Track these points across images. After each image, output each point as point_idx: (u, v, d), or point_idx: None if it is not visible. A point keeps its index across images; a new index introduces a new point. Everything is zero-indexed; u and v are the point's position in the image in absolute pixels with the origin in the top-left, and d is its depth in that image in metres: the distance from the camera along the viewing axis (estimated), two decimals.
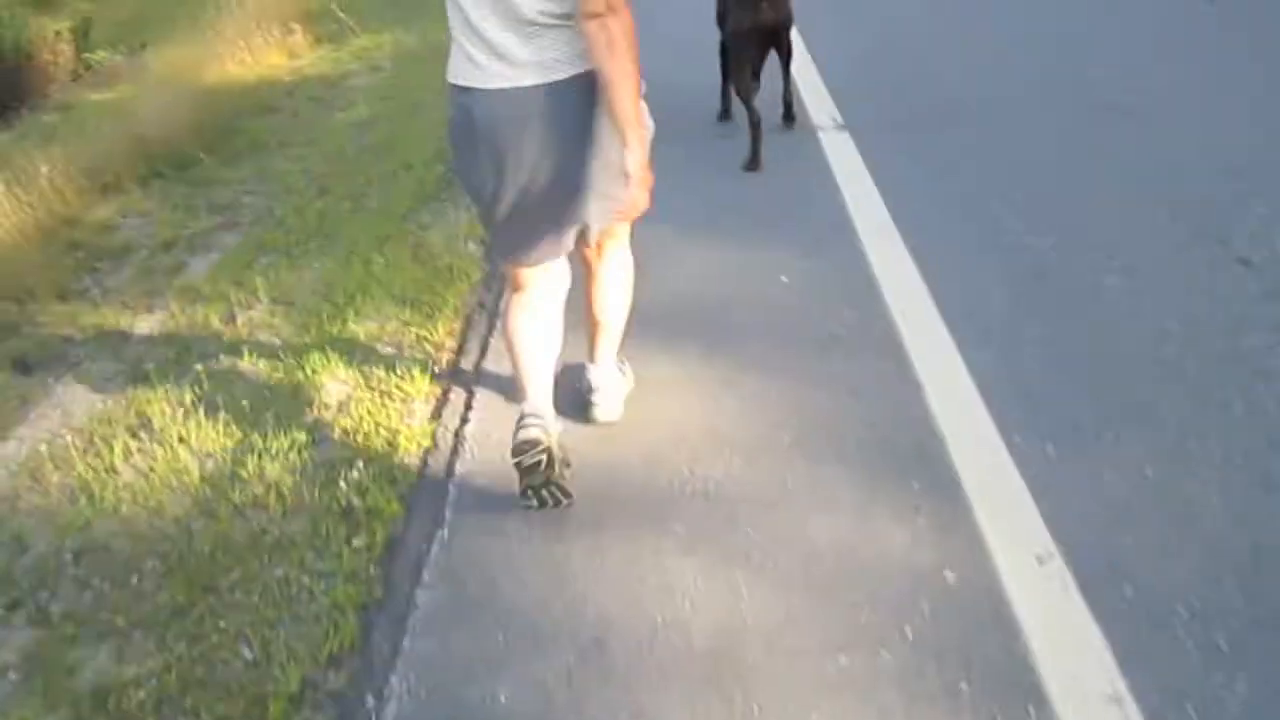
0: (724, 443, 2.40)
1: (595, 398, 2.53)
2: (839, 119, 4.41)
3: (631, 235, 2.40)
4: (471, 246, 3.68)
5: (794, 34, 4.20)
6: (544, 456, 2.15)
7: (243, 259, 4.12)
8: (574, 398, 2.53)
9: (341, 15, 7.86)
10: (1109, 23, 5.74)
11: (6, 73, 9.25)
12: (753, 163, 4.03)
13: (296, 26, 8.13)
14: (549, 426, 2.21)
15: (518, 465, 2.17)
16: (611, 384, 2.55)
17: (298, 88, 6.90)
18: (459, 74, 2.07)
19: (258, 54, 7.61)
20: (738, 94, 4.18)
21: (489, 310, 3.20)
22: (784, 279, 3.07)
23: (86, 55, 9.55)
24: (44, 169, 5.35)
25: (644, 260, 2.47)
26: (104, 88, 9.05)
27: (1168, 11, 5.92)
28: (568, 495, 2.23)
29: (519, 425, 2.19)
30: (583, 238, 2.23)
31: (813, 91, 4.83)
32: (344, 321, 3.27)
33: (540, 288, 2.31)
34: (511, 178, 2.08)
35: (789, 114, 4.38)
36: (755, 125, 4.02)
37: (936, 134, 4.20)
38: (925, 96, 4.71)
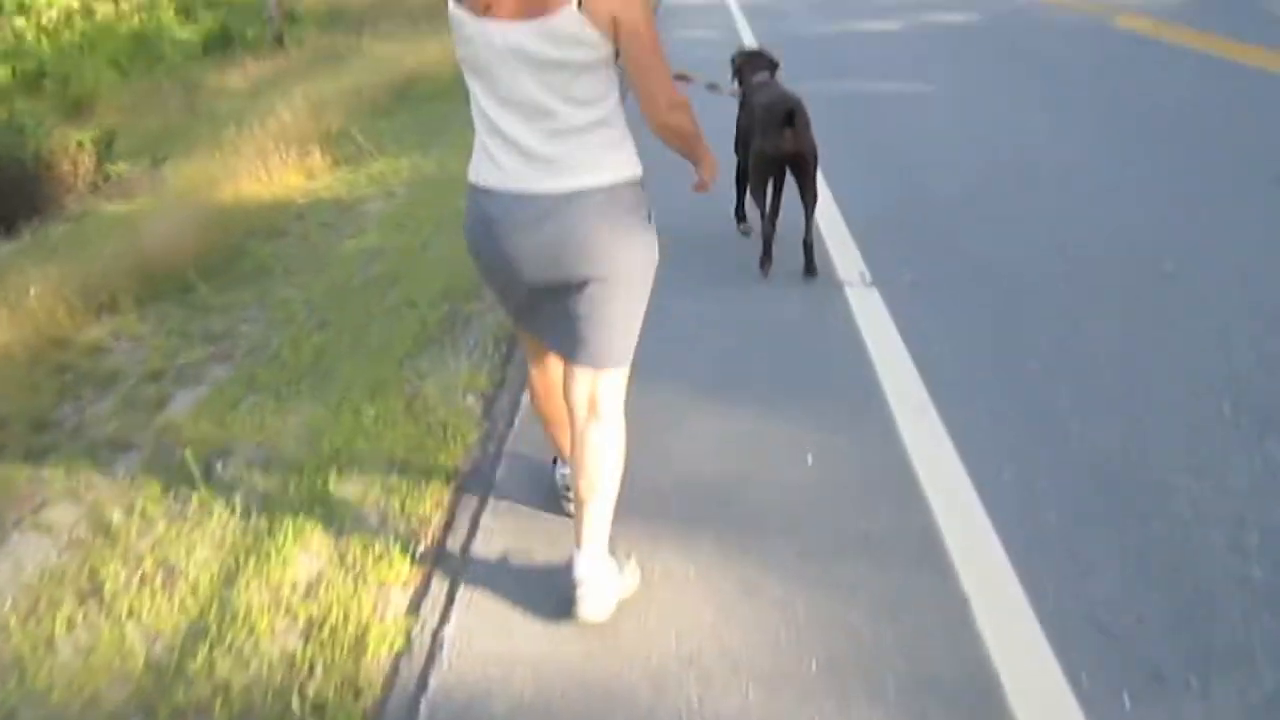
0: (739, 667, 2.07)
1: (581, 591, 2.21)
2: (866, 274, 4.15)
3: (628, 397, 2.28)
4: (470, 400, 3.41)
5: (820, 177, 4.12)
6: None
7: (230, 396, 3.87)
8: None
9: (360, 139, 7.81)
10: (1136, 172, 5.57)
11: (26, 181, 9.25)
12: (765, 260, 4.19)
13: (315, 148, 8.10)
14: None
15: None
16: (601, 575, 2.24)
17: (310, 210, 6.77)
18: (480, 174, 2.11)
19: (275, 173, 7.53)
20: (756, 204, 4.26)
21: (483, 477, 2.91)
22: (809, 459, 2.78)
23: (107, 166, 9.55)
24: (35, 288, 5.20)
25: (651, 431, 2.23)
26: (121, 199, 9.02)
27: (1191, 164, 5.77)
28: None
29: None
30: (577, 367, 2.21)
31: (838, 241, 4.61)
32: (325, 481, 2.98)
33: (555, 359, 2.35)
34: (523, 282, 2.12)
35: (810, 263, 4.19)
36: (767, 240, 4.20)
37: (971, 295, 3.94)
38: (956, 251, 4.47)
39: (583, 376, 2.21)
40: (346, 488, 2.96)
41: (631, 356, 2.23)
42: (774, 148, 4.03)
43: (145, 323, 5.09)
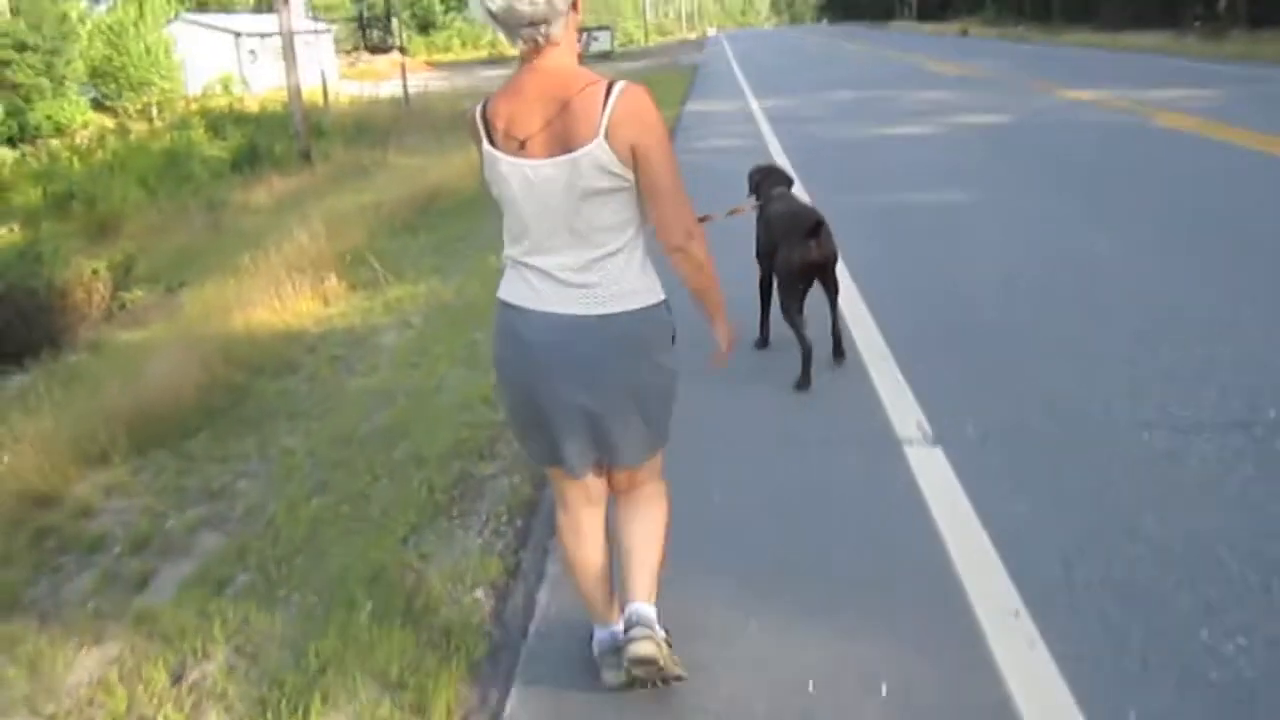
0: None
1: (635, 633, 2.25)
2: (926, 427, 3.68)
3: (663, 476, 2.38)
4: (479, 595, 2.96)
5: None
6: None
7: (217, 576, 3.46)
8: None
9: (376, 266, 7.52)
10: (1215, 294, 5.13)
11: (40, 311, 9.05)
12: (804, 380, 4.24)
13: (332, 272, 7.85)
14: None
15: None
16: (651, 618, 2.29)
17: (322, 342, 6.45)
18: (511, 293, 2.18)
19: (291, 300, 7.27)
20: (789, 325, 4.31)
21: (490, 711, 2.44)
22: (882, 689, 2.29)
23: (122, 294, 9.36)
24: (25, 440, 4.88)
25: (696, 647, 1.77)
26: (135, 327, 8.81)
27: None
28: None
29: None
30: (613, 467, 2.32)
31: (889, 383, 4.18)
32: (306, 708, 2.53)
33: (583, 496, 2.38)
34: (551, 401, 2.18)
35: (838, 348, 4.47)
36: (807, 355, 4.23)
37: (1054, 455, 3.41)
38: (1023, 390, 4.01)
39: (622, 473, 2.35)
40: (330, 716, 2.50)
41: (661, 445, 2.35)
42: (802, 258, 4.22)
43: (140, 475, 4.76)
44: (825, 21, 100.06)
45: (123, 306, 9.12)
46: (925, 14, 62.96)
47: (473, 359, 5.28)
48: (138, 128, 29.05)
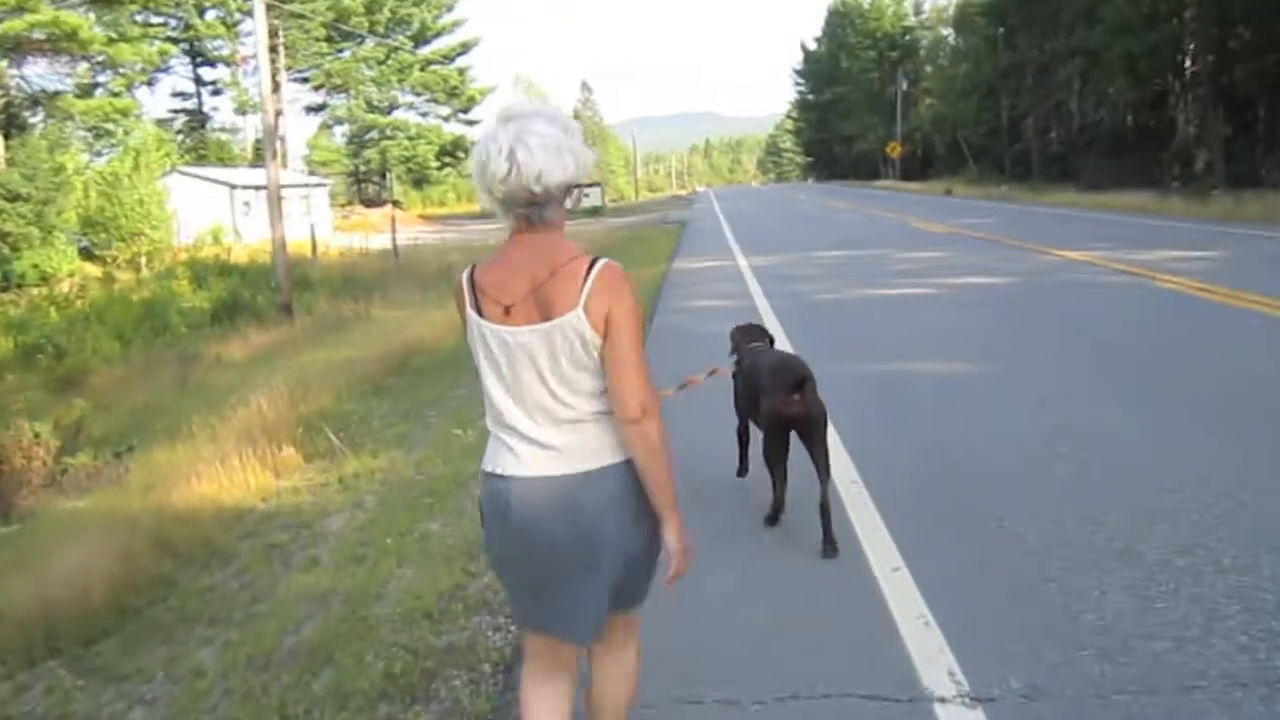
0: None
1: None
2: (959, 677, 2.96)
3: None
4: None
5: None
6: None
7: None
8: None
9: (334, 438, 6.93)
10: (1262, 477, 4.53)
11: None
12: (772, 517, 4.32)
13: (291, 439, 7.25)
14: None
15: None
16: None
17: (264, 524, 5.79)
18: (494, 462, 2.24)
19: (240, 472, 6.63)
20: (770, 473, 4.28)
21: None
22: None
23: (65, 459, 8.70)
24: None
25: None
26: (79, 494, 8.16)
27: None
28: None
29: None
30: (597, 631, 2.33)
31: (906, 607, 3.51)
32: None
33: (553, 658, 2.40)
34: (540, 562, 2.22)
35: (828, 538, 4.04)
36: (779, 505, 4.30)
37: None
38: (1065, 621, 3.37)
39: (609, 623, 2.35)
40: None
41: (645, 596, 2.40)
42: (783, 412, 4.13)
43: (22, 696, 4.03)
44: (811, 180, 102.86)
45: (64, 472, 8.45)
46: (909, 174, 64.60)
47: (424, 555, 4.62)
48: (124, 277, 28.93)
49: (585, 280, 2.11)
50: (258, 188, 45.00)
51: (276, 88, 61.29)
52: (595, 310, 2.10)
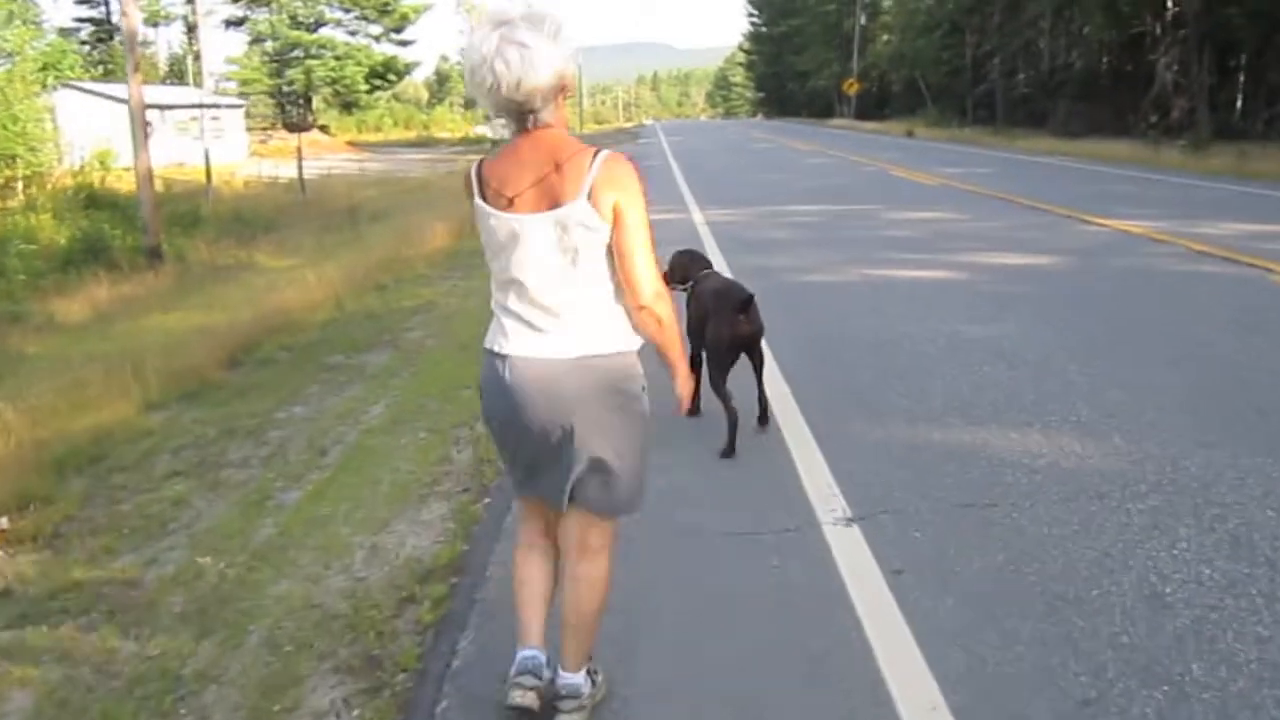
0: None
1: (561, 704, 2.53)
2: None
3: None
4: None
5: None
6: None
7: None
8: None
9: (67, 535, 4.10)
10: None
11: None
12: (729, 450, 4.44)
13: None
14: (539, 677, 2.52)
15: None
16: (579, 692, 2.56)
17: None
18: (495, 341, 2.40)
19: None
20: (717, 396, 4.48)
21: None
22: None
23: None
24: None
25: None
26: None
27: None
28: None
29: (511, 681, 2.52)
30: (574, 507, 2.44)
31: None
32: None
33: (539, 527, 2.62)
34: (528, 434, 2.37)
35: (764, 416, 4.77)
36: (733, 424, 4.43)
37: None
38: None
39: (580, 521, 2.48)
40: None
41: (629, 509, 2.51)
42: (732, 332, 4.41)
43: None
44: (760, 116, 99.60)
45: None
46: (864, 113, 61.90)
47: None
48: None
49: (589, 169, 2.21)
50: (163, 107, 40.97)
51: None
52: (600, 198, 2.21)
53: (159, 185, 30.32)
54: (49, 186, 28.31)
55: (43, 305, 13.87)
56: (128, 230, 18.62)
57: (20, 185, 28.32)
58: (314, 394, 6.67)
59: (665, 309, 2.33)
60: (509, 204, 2.25)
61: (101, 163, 32.22)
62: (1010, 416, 4.85)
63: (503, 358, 2.34)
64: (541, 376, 2.29)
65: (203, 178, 28.34)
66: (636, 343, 2.37)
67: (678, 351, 2.45)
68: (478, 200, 2.31)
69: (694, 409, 4.72)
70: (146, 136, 16.47)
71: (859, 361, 6.00)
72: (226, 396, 7.05)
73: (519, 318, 2.31)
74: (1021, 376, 5.53)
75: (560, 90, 2.23)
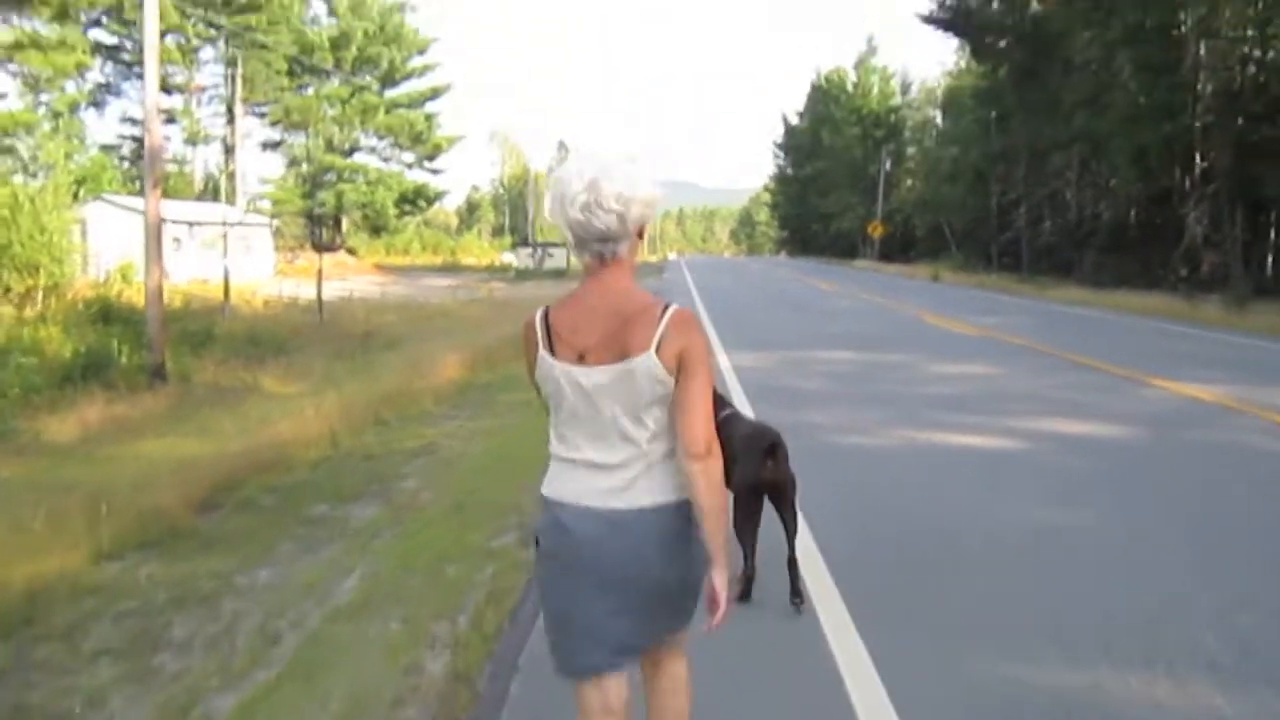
0: None
1: None
2: None
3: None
4: None
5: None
6: None
7: None
8: None
9: None
10: None
11: None
12: (743, 595, 4.24)
13: None
14: None
15: None
16: None
17: None
18: (556, 490, 2.38)
19: None
20: (740, 543, 4.17)
21: None
22: None
23: None
24: None
25: None
26: None
27: None
28: None
29: None
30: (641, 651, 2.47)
31: None
32: None
33: (602, 704, 2.44)
34: (590, 591, 2.33)
35: (796, 590, 4.27)
36: (750, 577, 4.26)
37: None
38: None
39: (650, 659, 2.55)
40: None
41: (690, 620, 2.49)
42: (756, 477, 4.16)
43: None
44: (784, 254, 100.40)
45: None
46: (887, 254, 62.07)
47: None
48: (6, 313, 24.76)
49: (659, 323, 2.25)
50: (190, 223, 41.30)
51: (231, 119, 57.84)
52: (668, 353, 2.24)
53: (180, 300, 30.25)
54: (70, 297, 28.15)
55: (32, 423, 13.18)
56: (135, 347, 18.09)
57: (41, 295, 28.17)
58: (286, 553, 5.86)
59: (716, 466, 2.30)
60: (579, 358, 2.28)
61: (123, 276, 32.19)
62: (1123, 649, 3.88)
63: (564, 506, 2.34)
64: (602, 528, 2.29)
65: (214, 295, 28.16)
66: None
67: (721, 525, 2.34)
68: (544, 354, 2.33)
69: (744, 593, 4.38)
70: (161, 252, 16.07)
71: (918, 554, 5.08)
72: (191, 549, 6.26)
73: (583, 465, 2.32)
74: (1121, 588, 4.57)
75: (641, 229, 2.31)
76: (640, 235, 2.31)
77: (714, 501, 2.29)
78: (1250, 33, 30.94)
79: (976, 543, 5.26)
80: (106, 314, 21.73)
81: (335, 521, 6.40)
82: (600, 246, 2.27)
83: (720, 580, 2.33)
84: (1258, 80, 31.78)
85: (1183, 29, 32.48)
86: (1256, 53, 31.95)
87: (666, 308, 2.27)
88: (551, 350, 2.31)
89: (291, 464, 8.44)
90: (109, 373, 16.46)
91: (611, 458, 2.28)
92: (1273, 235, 32.86)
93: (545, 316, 2.35)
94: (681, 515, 2.31)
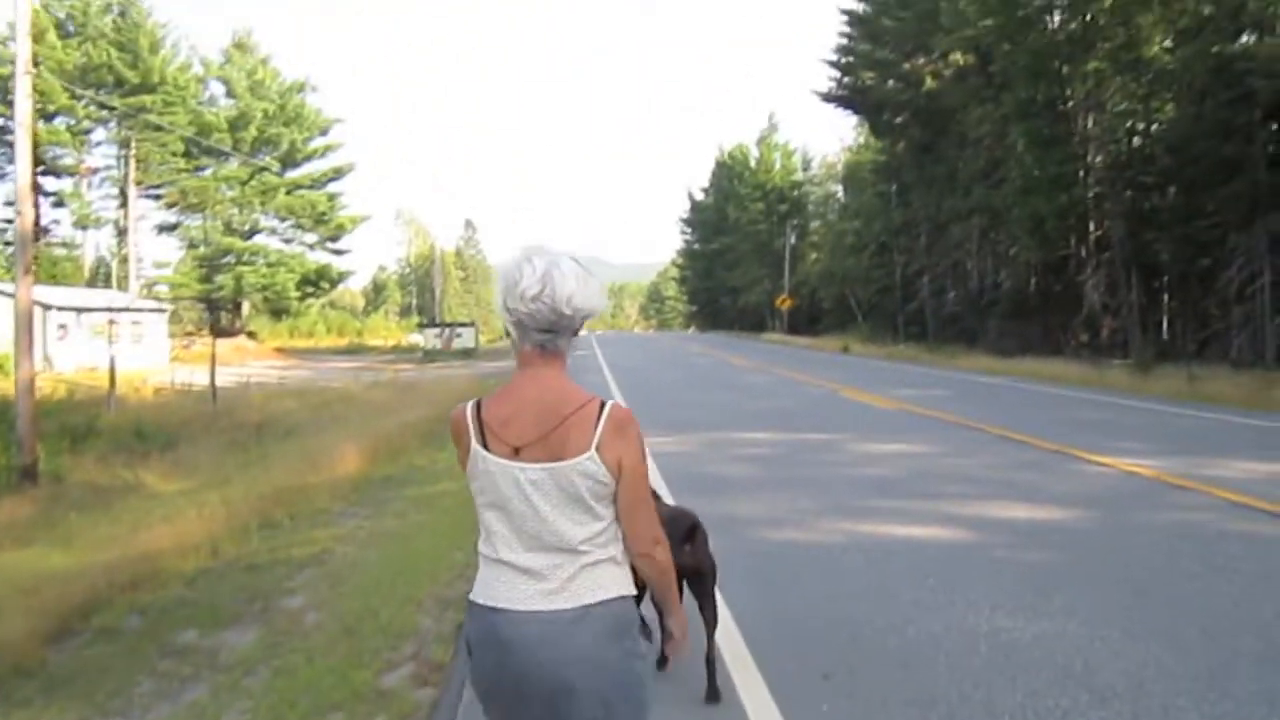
0: None
1: None
2: None
3: None
4: None
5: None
6: None
7: None
8: None
9: None
10: None
11: None
12: (661, 662, 4.10)
13: None
14: None
15: None
16: None
17: None
18: (488, 594, 2.29)
19: None
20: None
21: None
22: None
23: None
24: None
25: None
26: None
27: None
28: None
29: None
30: None
31: None
32: None
33: None
34: (524, 695, 2.25)
35: (712, 685, 4.12)
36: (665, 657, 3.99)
37: None
38: None
39: None
40: None
41: None
42: (676, 559, 3.35)
43: None
44: (693, 329, 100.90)
45: None
46: (795, 327, 62.66)
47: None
48: None
49: (597, 424, 2.24)
50: (79, 309, 39.44)
51: (124, 202, 55.98)
52: (608, 452, 2.23)
53: (64, 391, 28.53)
54: None
55: None
56: (5, 445, 16.72)
57: None
58: (141, 697, 5.03)
59: (665, 556, 2.36)
60: (514, 452, 2.27)
61: (1, 367, 30.33)
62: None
63: (498, 611, 2.28)
64: (543, 632, 2.23)
65: (100, 383, 26.64)
66: (633, 588, 2.35)
67: (674, 595, 2.47)
68: (476, 447, 2.31)
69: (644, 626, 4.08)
70: (31, 343, 14.89)
71: (879, 686, 4.33)
72: (31, 693, 5.38)
73: (515, 568, 2.28)
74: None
75: (580, 324, 2.33)
76: (575, 332, 2.34)
77: (665, 581, 2.41)
78: (1136, 106, 32.16)
79: (939, 663, 4.58)
80: None
81: (203, 654, 5.55)
82: (542, 338, 2.29)
83: (677, 625, 2.50)
84: (1144, 152, 33.03)
85: (1070, 104, 33.70)
86: (1141, 125, 33.24)
87: (603, 405, 2.28)
88: (484, 444, 2.29)
89: (164, 578, 7.55)
90: None
91: (546, 559, 2.25)
92: (1167, 299, 33.91)
93: (477, 409, 2.34)
94: (619, 612, 2.28)
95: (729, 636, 4.80)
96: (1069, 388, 20.77)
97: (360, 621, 5.62)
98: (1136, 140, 33.83)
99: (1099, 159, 33.24)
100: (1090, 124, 33.55)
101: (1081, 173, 33.40)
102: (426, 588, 6.18)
